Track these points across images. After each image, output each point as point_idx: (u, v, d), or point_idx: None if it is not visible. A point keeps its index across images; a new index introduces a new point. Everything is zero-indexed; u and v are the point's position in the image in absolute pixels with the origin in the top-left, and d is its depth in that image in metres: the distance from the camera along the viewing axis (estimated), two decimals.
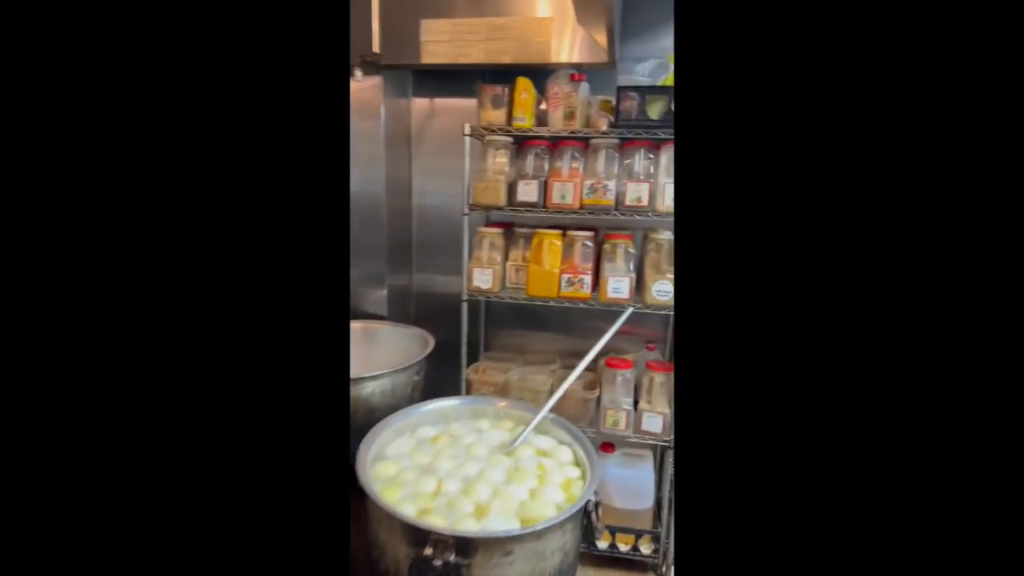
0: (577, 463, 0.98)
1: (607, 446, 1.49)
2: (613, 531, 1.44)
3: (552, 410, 1.05)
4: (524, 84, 1.31)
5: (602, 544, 1.44)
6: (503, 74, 1.36)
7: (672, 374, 1.40)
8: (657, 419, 1.37)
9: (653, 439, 1.39)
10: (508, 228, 1.51)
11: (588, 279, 1.36)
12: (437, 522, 0.78)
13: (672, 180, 1.27)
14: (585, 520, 0.85)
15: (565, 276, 1.36)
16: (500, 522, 0.79)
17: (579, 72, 1.31)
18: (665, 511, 1.42)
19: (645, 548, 1.43)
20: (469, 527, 0.77)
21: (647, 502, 1.46)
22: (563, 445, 1.03)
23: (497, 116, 1.35)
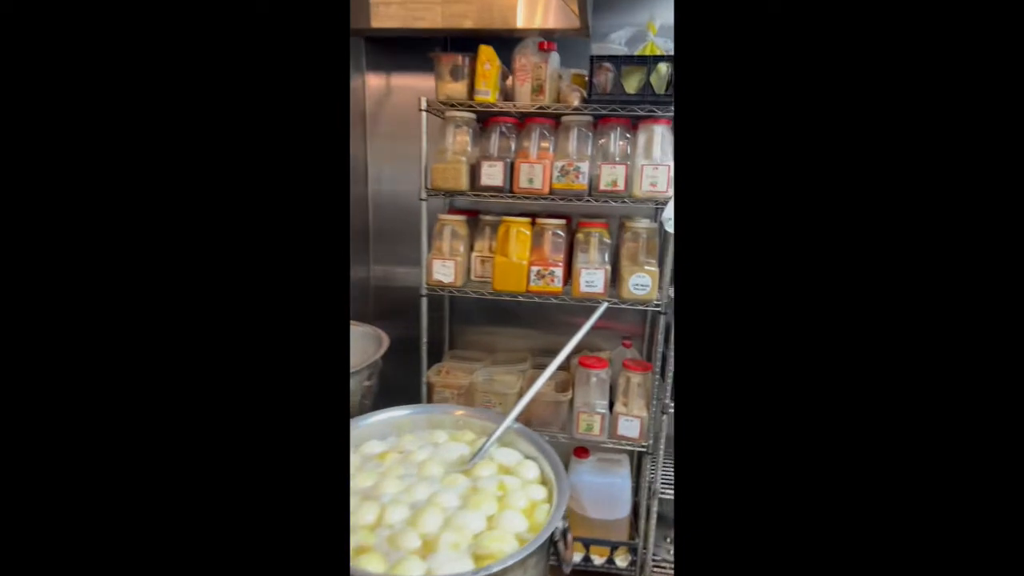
0: (544, 481, 0.87)
1: (581, 451, 1.38)
2: (587, 543, 1.34)
3: (521, 415, 0.93)
4: (487, 53, 1.17)
5: (574, 558, 1.33)
6: (464, 42, 1.22)
7: (649, 374, 1.29)
8: (634, 423, 1.27)
9: (630, 444, 1.29)
10: (473, 216, 1.37)
11: (560, 272, 1.24)
12: (373, 565, 0.65)
13: (650, 162, 1.16)
14: (552, 550, 0.74)
15: (534, 269, 1.24)
16: (449, 561, 0.67)
17: (549, 41, 1.18)
18: (643, 520, 1.32)
19: (621, 561, 1.34)
20: (410, 571, 0.65)
21: (623, 511, 1.36)
22: (529, 460, 0.91)
23: (457, 89, 1.21)
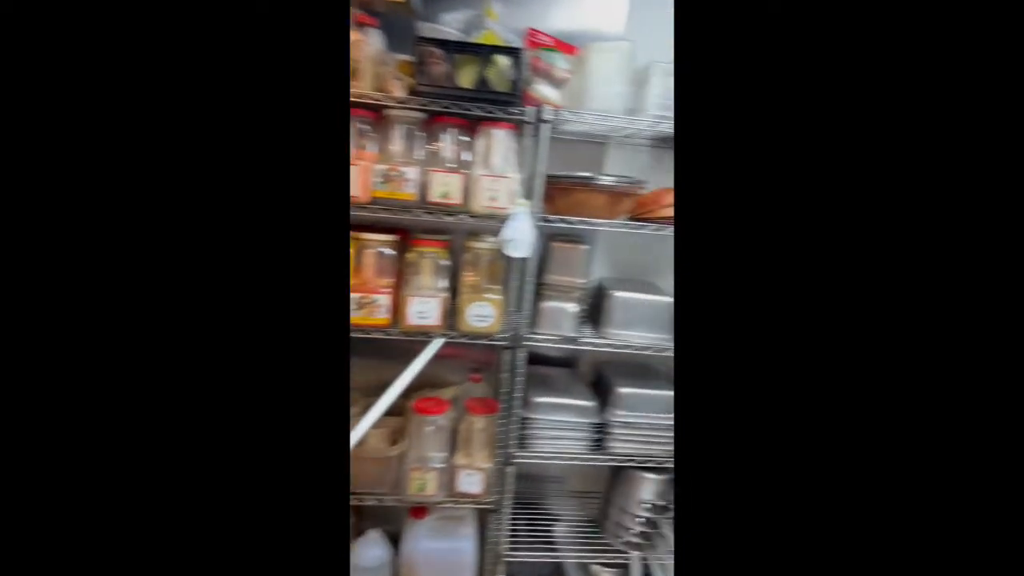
0: None
1: (418, 510, 1.16)
2: None
3: None
4: None
5: None
6: None
7: (495, 417, 1.12)
8: (475, 477, 1.08)
9: (471, 502, 1.10)
10: None
11: (385, 299, 1.01)
12: None
13: (489, 173, 0.98)
14: None
15: (353, 296, 0.99)
16: None
17: (368, 14, 0.95)
18: None
19: None
20: None
21: None
22: None
23: None
